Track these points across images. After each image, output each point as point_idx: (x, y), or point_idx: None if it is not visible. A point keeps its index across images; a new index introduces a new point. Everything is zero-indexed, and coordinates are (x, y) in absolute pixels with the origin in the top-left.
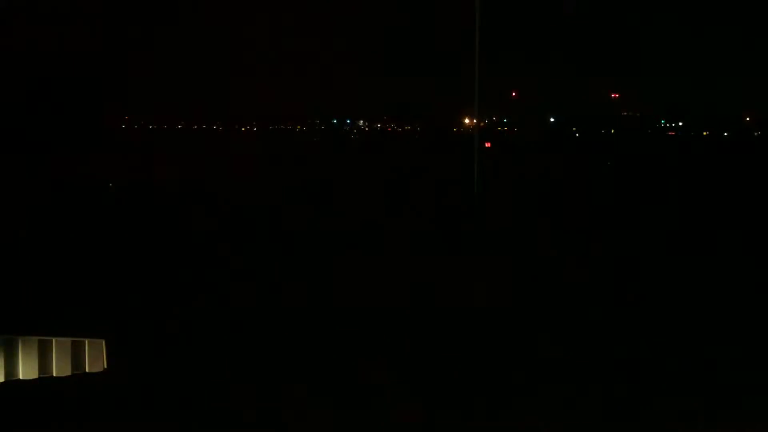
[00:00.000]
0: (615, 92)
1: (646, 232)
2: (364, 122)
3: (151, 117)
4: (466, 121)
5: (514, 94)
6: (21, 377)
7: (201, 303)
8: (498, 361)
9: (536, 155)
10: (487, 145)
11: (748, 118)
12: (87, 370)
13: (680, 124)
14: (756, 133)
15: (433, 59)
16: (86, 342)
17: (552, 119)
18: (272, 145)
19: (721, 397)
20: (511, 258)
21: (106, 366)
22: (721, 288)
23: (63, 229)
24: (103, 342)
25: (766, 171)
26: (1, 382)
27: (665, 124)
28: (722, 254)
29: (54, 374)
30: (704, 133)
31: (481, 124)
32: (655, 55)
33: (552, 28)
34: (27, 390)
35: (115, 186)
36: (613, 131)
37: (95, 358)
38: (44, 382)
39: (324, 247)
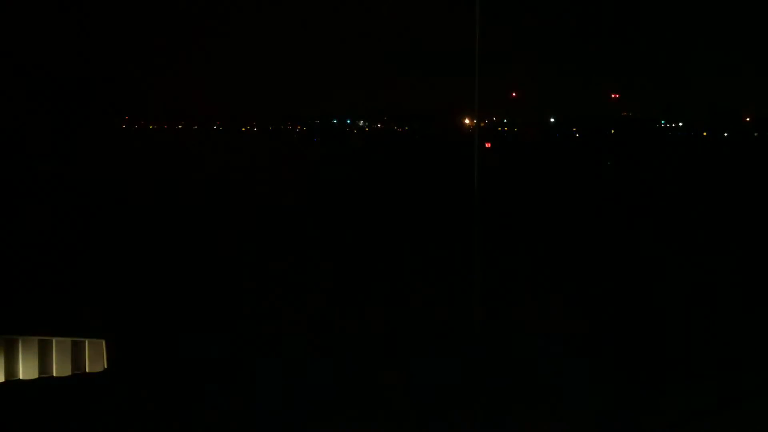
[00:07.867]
0: (615, 92)
1: (645, 231)
2: (364, 122)
3: (151, 117)
4: (467, 121)
5: (514, 94)
6: (21, 377)
7: (202, 304)
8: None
9: (536, 156)
10: (488, 145)
11: (748, 119)
12: (87, 370)
13: (680, 124)
14: (755, 134)
15: (433, 59)
16: (86, 342)
17: (552, 119)
18: (273, 145)
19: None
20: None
21: (106, 366)
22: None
23: (64, 229)
24: (103, 342)
25: (765, 171)
26: (1, 382)
27: (665, 124)
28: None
29: (54, 374)
30: (704, 134)
31: (482, 124)
32: (655, 56)
33: (552, 29)
34: (27, 390)
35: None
36: (613, 131)
37: (95, 358)
38: (44, 382)
39: (325, 248)
